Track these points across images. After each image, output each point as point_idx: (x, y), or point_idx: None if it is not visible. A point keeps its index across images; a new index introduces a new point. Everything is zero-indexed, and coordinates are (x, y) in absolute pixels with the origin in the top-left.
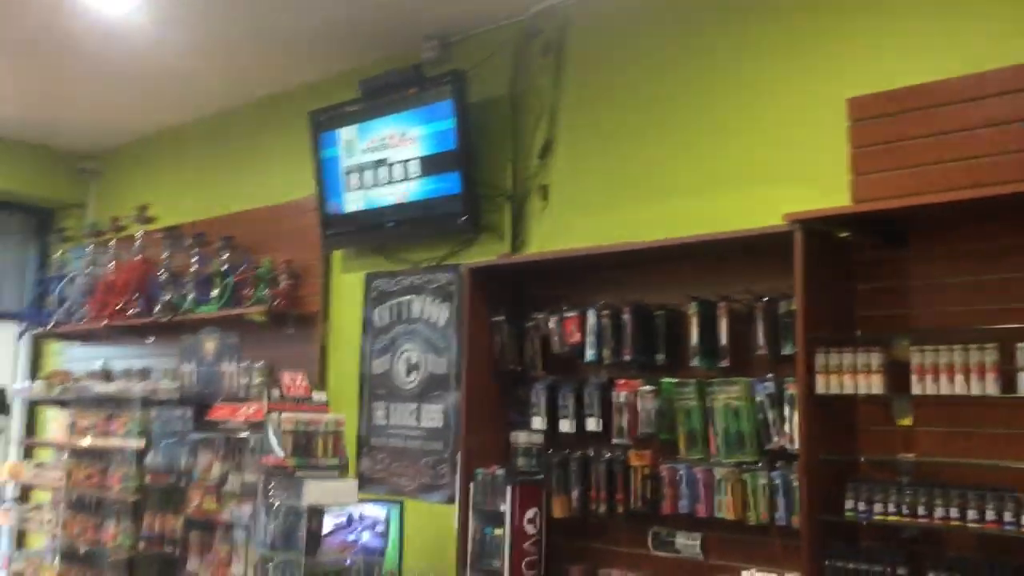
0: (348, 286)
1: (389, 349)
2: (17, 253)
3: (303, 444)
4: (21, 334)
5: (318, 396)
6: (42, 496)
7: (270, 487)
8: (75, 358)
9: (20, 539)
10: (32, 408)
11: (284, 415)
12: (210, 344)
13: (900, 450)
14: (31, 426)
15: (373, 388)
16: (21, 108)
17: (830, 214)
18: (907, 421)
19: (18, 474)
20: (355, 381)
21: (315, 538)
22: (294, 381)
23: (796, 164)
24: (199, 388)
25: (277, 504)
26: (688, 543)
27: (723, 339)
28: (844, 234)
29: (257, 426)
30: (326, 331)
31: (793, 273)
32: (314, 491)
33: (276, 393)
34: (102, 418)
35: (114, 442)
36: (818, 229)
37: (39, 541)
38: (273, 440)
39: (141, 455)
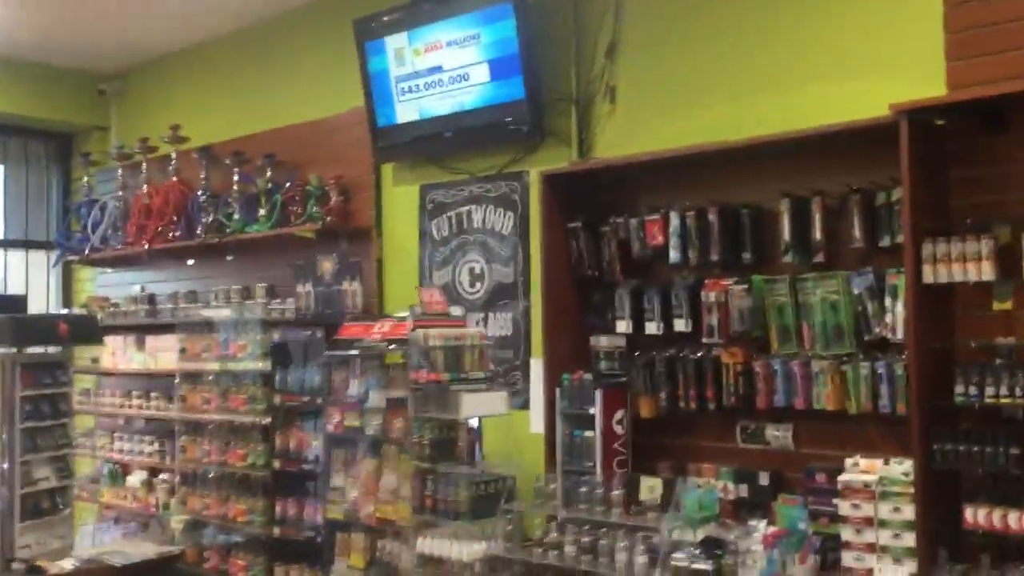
0: (401, 199)
1: (450, 261)
2: (39, 180)
3: (452, 359)
4: (57, 262)
5: (456, 311)
6: (87, 422)
7: (422, 401)
8: (108, 284)
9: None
10: None
11: (434, 331)
12: (327, 264)
13: (998, 335)
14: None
15: None
16: (36, 31)
17: (937, 103)
18: (1007, 305)
19: None
20: (415, 294)
21: (473, 449)
22: (432, 297)
23: (882, 54)
24: (319, 308)
25: (431, 417)
26: (778, 434)
27: (817, 234)
28: (940, 122)
29: (400, 343)
30: (380, 246)
31: (891, 164)
32: (470, 404)
33: (418, 310)
34: (216, 342)
35: (238, 366)
36: (919, 118)
37: (90, 466)
38: (421, 356)
39: (266, 377)
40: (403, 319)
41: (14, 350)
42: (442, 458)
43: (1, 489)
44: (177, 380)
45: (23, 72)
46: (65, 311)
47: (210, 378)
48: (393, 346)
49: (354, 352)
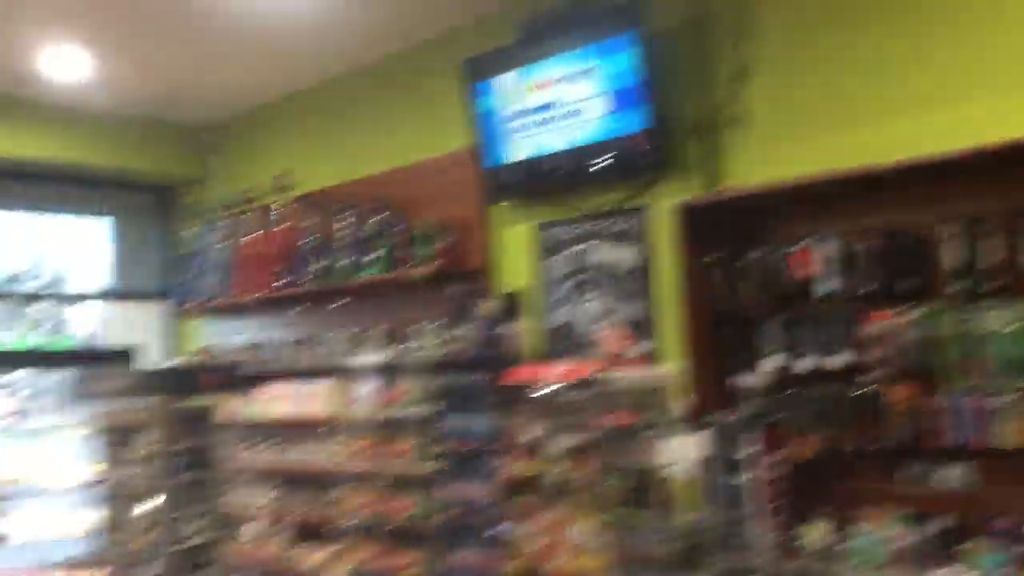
0: (515, 238)
1: (569, 300)
2: (141, 231)
3: (641, 400)
4: (172, 313)
5: (639, 350)
6: None
7: (612, 447)
8: (214, 334)
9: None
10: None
11: (622, 372)
12: (488, 305)
13: None
14: None
15: (557, 341)
16: (134, 84)
17: None
18: None
19: None
20: (533, 334)
21: (670, 498)
22: (615, 335)
23: None
24: (479, 351)
25: (622, 464)
26: (957, 477)
27: (987, 258)
28: None
29: (582, 385)
30: (495, 286)
31: None
32: (667, 448)
33: (600, 350)
34: (381, 388)
35: (398, 412)
36: None
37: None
38: (609, 398)
39: (428, 423)
40: (581, 361)
41: (163, 402)
42: (636, 507)
43: (161, 547)
44: (328, 428)
45: (125, 125)
46: (204, 361)
47: (364, 426)
48: (574, 389)
49: (534, 396)
